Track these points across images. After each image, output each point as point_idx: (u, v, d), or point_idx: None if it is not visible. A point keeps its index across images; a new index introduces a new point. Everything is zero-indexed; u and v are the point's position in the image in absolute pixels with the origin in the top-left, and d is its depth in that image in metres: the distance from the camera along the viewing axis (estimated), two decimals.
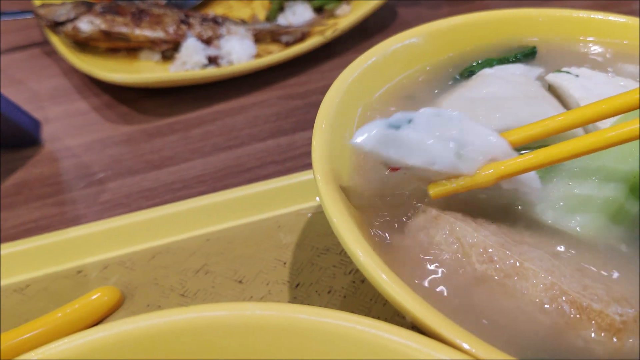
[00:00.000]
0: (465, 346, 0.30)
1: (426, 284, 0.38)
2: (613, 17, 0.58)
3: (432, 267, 0.40)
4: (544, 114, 0.41)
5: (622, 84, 0.50)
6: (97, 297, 0.53)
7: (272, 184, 0.64)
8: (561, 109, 0.49)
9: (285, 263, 0.56)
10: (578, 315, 0.34)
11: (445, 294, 0.37)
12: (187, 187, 0.69)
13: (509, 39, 0.58)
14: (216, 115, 0.80)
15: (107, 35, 0.84)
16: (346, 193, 0.42)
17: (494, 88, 0.50)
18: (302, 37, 0.89)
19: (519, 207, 0.42)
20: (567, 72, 0.52)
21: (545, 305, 0.35)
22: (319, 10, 0.94)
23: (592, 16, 0.59)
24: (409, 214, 0.43)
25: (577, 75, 0.51)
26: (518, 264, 0.38)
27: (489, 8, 0.97)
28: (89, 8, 0.86)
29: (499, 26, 0.58)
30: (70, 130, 0.79)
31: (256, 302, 0.45)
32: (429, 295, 0.36)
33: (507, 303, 0.36)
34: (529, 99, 0.48)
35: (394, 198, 0.44)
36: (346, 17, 0.91)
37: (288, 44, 0.88)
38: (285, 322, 0.31)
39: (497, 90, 0.49)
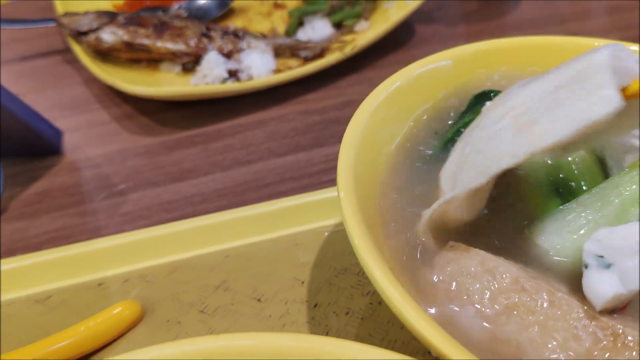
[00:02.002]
0: None
1: (459, 314, 0.38)
2: None
3: (464, 297, 0.40)
4: None
5: None
6: (119, 311, 0.54)
7: (290, 201, 0.65)
8: None
9: (303, 282, 0.57)
10: (613, 341, 0.35)
11: (476, 324, 0.38)
12: (207, 200, 0.70)
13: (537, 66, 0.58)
14: (236, 129, 0.80)
15: (129, 46, 0.85)
16: (372, 218, 0.43)
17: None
18: (321, 52, 0.90)
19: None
20: None
21: (579, 333, 0.36)
22: (338, 26, 0.95)
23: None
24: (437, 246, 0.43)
25: None
26: (550, 294, 0.38)
27: (506, 28, 0.98)
28: (111, 19, 0.87)
29: (525, 54, 0.58)
30: (91, 140, 0.80)
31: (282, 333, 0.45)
32: (458, 325, 0.37)
33: (540, 332, 0.36)
34: None
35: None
36: (365, 33, 0.92)
37: (307, 59, 0.89)
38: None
39: None
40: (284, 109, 0.84)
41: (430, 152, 0.50)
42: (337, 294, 0.55)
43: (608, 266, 0.38)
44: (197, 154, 0.76)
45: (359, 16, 0.95)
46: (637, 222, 0.42)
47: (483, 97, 0.53)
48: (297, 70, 0.84)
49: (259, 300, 0.55)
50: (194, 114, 0.83)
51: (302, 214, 0.64)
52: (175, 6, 0.98)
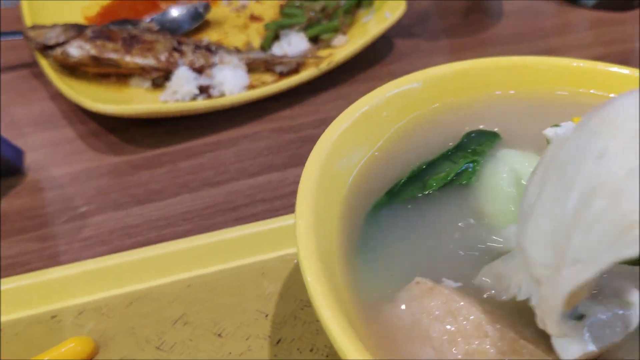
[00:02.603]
0: None
1: (417, 357, 0.36)
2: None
3: (424, 339, 0.37)
4: None
5: None
6: (70, 347, 0.51)
7: (258, 226, 0.62)
8: None
9: (267, 315, 0.54)
10: None
11: None
12: (172, 224, 0.67)
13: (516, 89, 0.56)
14: (206, 148, 0.78)
15: (96, 61, 0.82)
16: (330, 253, 0.41)
17: None
18: (297, 67, 0.87)
19: None
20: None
21: None
22: (314, 40, 0.92)
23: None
24: (402, 282, 0.41)
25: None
26: (513, 342, 0.36)
27: (487, 43, 0.96)
28: (79, 32, 0.84)
29: (502, 74, 0.56)
30: (55, 159, 0.77)
31: None
32: None
33: None
34: None
35: (388, 268, 0.42)
36: (342, 48, 0.90)
37: (282, 75, 0.87)
38: None
39: None
40: (257, 127, 0.81)
41: (393, 183, 0.48)
42: (302, 329, 0.53)
43: (580, 317, 0.35)
44: (164, 174, 0.73)
45: (336, 30, 0.92)
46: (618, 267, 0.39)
47: (475, 138, 0.50)
48: (271, 86, 0.81)
49: (219, 335, 0.53)
50: (163, 131, 0.80)
51: (271, 240, 0.61)
52: (147, 19, 0.95)
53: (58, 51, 0.83)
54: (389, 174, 0.48)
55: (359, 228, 0.44)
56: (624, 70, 0.56)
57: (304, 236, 0.38)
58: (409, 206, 0.46)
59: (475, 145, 0.50)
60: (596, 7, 1.04)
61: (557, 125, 0.51)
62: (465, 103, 0.54)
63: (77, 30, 0.85)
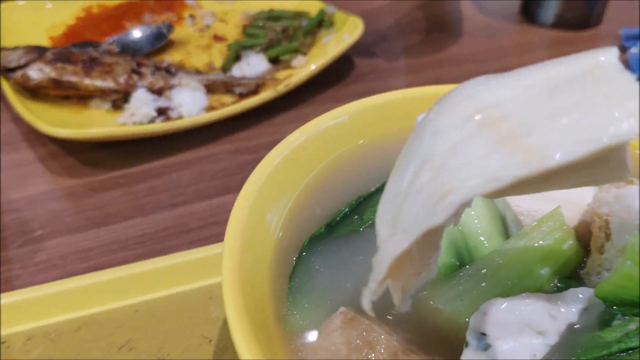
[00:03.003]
0: None
1: None
2: None
3: None
4: None
5: None
6: None
7: (207, 251, 0.63)
8: None
9: (210, 340, 0.55)
10: None
11: None
12: (125, 248, 0.68)
13: None
14: (163, 170, 0.79)
15: (56, 83, 0.84)
16: (259, 284, 0.42)
17: None
18: (256, 88, 0.88)
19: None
20: None
21: None
22: (275, 60, 0.94)
23: None
24: (328, 312, 0.42)
25: None
26: None
27: (444, 63, 0.98)
28: (40, 54, 0.85)
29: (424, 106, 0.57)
30: (13, 182, 0.78)
31: None
32: None
33: None
34: None
35: (315, 299, 0.43)
36: (302, 69, 0.91)
37: (242, 96, 0.88)
38: None
39: None
40: (215, 148, 0.82)
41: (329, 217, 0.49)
42: None
43: (486, 348, 0.37)
44: (120, 197, 0.75)
45: (296, 51, 0.94)
46: (526, 295, 0.41)
47: None
48: (228, 108, 0.83)
49: None
50: (121, 153, 0.81)
51: (219, 265, 0.62)
52: (109, 40, 0.97)
53: (19, 74, 0.84)
54: (323, 208, 0.49)
55: (292, 261, 0.46)
56: None
57: (229, 271, 0.40)
58: (343, 239, 0.48)
59: None
60: (554, 26, 1.07)
61: None
62: (398, 134, 0.55)
63: (38, 53, 0.86)
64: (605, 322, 0.40)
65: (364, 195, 0.51)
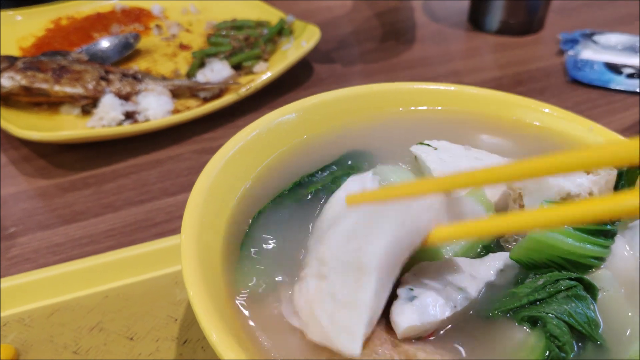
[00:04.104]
0: None
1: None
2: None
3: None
4: None
5: (475, 156, 0.56)
6: None
7: (172, 240, 0.68)
8: None
9: (176, 319, 0.60)
10: None
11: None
12: (95, 242, 0.72)
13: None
14: (131, 169, 0.83)
15: (27, 90, 0.87)
16: (213, 266, 0.47)
17: None
18: (220, 93, 0.94)
19: None
20: (428, 145, 0.58)
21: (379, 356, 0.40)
22: (237, 67, 0.99)
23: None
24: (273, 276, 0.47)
25: (435, 148, 0.57)
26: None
27: (398, 67, 1.05)
28: (11, 63, 0.89)
29: (377, 99, 0.64)
30: None
31: None
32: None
33: None
34: None
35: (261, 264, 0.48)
36: (262, 74, 0.97)
37: (206, 100, 0.93)
38: None
39: None
40: (181, 149, 0.87)
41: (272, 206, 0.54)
42: None
43: (412, 299, 0.42)
44: (89, 196, 0.79)
45: (258, 58, 1.00)
46: (450, 259, 0.47)
47: (352, 157, 0.58)
48: (192, 111, 0.87)
49: (131, 339, 0.58)
50: (90, 155, 0.85)
51: None
52: (78, 50, 1.01)
53: None
54: (273, 191, 0.55)
55: (243, 233, 0.51)
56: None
57: (187, 251, 0.45)
58: (287, 211, 0.53)
59: (353, 163, 0.58)
60: (499, 32, 1.14)
61: (422, 143, 0.59)
62: (340, 128, 0.61)
63: (8, 62, 0.90)
64: (520, 281, 0.46)
65: (306, 174, 0.56)
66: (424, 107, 0.64)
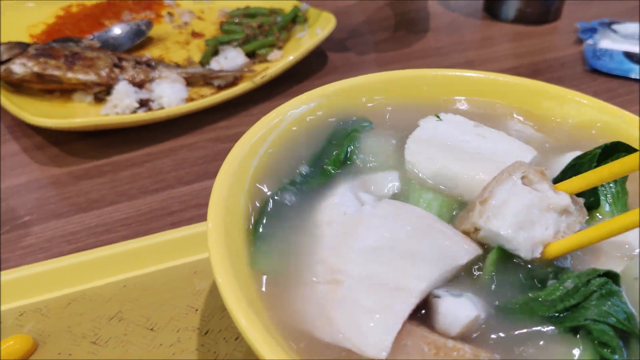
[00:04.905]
0: None
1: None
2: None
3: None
4: None
5: (480, 133, 0.55)
6: (9, 345, 0.54)
7: (191, 229, 0.67)
8: None
9: (197, 310, 0.59)
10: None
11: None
12: (110, 230, 0.71)
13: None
14: (145, 158, 0.82)
15: (40, 77, 0.86)
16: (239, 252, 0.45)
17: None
18: (234, 81, 0.92)
19: None
20: (438, 118, 0.57)
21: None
22: (251, 55, 0.98)
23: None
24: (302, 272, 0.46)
25: (441, 119, 0.56)
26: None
27: (412, 56, 1.03)
28: (23, 50, 0.88)
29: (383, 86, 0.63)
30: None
31: None
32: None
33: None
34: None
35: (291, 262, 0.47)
36: (277, 62, 0.95)
37: (220, 88, 0.92)
38: None
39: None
40: (195, 137, 0.86)
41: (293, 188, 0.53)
42: (229, 321, 0.57)
43: (458, 296, 0.41)
44: (104, 184, 0.78)
45: (272, 45, 0.98)
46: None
47: (350, 124, 0.58)
48: (207, 99, 0.86)
49: (151, 329, 0.57)
50: (105, 143, 0.84)
51: (203, 242, 0.66)
52: (89, 37, 0.99)
53: (2, 68, 0.86)
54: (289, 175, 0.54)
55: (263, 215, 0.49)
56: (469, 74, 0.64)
57: (215, 239, 0.43)
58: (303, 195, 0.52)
59: (351, 129, 0.57)
60: (515, 21, 1.13)
61: (437, 116, 0.58)
62: (350, 108, 0.61)
63: (20, 48, 0.88)
64: (541, 282, 0.44)
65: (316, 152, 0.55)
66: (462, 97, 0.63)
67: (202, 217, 0.72)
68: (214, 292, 0.61)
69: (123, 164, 0.81)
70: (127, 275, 0.63)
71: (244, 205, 0.49)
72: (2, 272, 0.63)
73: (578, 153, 0.52)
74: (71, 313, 0.59)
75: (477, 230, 0.45)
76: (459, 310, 0.40)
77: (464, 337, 0.40)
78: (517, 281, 0.44)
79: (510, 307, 0.43)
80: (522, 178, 0.47)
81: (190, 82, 0.91)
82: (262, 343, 0.37)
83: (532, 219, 0.45)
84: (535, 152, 0.54)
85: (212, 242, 0.43)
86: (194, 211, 0.73)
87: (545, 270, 0.44)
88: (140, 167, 0.80)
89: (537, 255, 0.44)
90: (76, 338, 0.57)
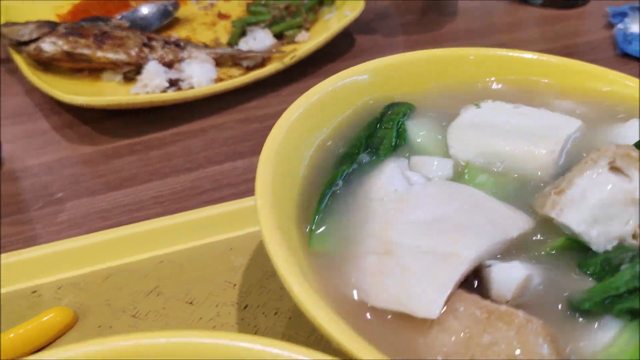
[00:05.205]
0: None
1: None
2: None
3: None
4: None
5: (522, 112, 0.55)
6: (50, 317, 0.54)
7: (226, 207, 0.67)
8: None
9: (235, 285, 0.59)
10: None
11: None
12: (144, 208, 0.71)
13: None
14: (175, 137, 0.82)
15: (69, 56, 0.86)
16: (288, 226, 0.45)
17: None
18: (263, 62, 0.92)
19: None
20: (478, 106, 0.56)
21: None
22: (279, 36, 0.97)
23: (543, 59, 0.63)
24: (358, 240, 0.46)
25: (479, 107, 0.56)
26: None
27: (441, 39, 1.02)
28: (52, 28, 0.88)
29: (433, 65, 0.62)
30: (30, 150, 0.80)
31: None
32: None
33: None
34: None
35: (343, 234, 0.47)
36: (305, 44, 0.95)
37: (248, 69, 0.91)
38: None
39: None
40: (224, 118, 0.86)
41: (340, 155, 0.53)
42: (267, 296, 0.57)
43: (510, 261, 0.41)
44: (136, 162, 0.78)
45: (299, 27, 0.98)
46: None
47: (392, 107, 0.56)
48: (237, 79, 0.86)
49: (190, 303, 0.57)
50: (135, 122, 0.84)
51: (238, 219, 0.65)
52: (117, 17, 0.99)
53: (31, 47, 0.86)
54: (339, 151, 0.53)
55: (315, 201, 0.49)
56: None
57: (264, 210, 0.43)
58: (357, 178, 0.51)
59: (392, 113, 0.57)
60: (544, 5, 1.11)
61: (476, 104, 0.57)
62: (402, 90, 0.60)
63: (50, 27, 0.88)
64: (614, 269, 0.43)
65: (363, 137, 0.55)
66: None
67: (235, 196, 0.71)
68: (250, 268, 0.61)
69: (153, 143, 0.81)
70: (163, 252, 0.63)
71: (291, 180, 0.49)
72: (39, 247, 0.63)
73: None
74: (109, 287, 0.59)
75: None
76: (511, 272, 0.40)
77: (517, 303, 0.40)
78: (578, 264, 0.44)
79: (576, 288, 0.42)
80: (610, 165, 0.45)
81: (218, 62, 0.91)
82: (315, 307, 0.36)
83: (611, 212, 0.44)
84: (580, 121, 0.54)
85: (263, 217, 0.43)
86: (226, 190, 0.73)
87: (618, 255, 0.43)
88: (171, 146, 0.80)
89: (610, 248, 0.43)
90: (115, 311, 0.57)
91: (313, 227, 0.47)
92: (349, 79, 0.58)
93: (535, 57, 0.62)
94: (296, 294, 0.38)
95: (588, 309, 0.40)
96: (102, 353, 0.32)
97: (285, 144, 0.50)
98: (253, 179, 0.74)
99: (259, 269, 0.60)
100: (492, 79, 0.62)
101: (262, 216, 0.43)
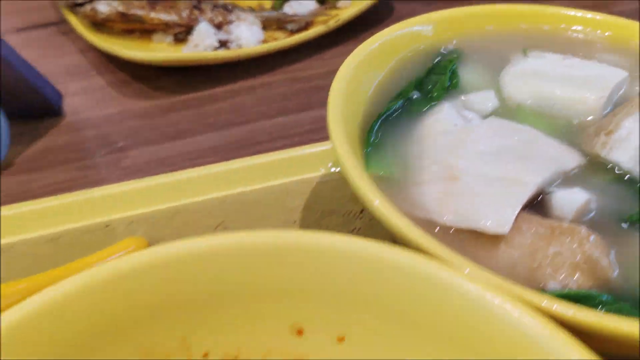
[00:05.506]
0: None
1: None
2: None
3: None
4: None
5: (569, 63, 0.58)
6: (127, 245, 0.59)
7: (282, 154, 0.70)
8: None
9: (295, 221, 0.63)
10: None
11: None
12: (202, 156, 0.75)
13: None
14: (226, 95, 0.86)
15: (123, 16, 0.90)
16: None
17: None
18: (306, 25, 0.95)
19: None
20: (526, 54, 0.60)
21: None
22: (322, 1, 1.01)
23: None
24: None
25: (528, 57, 0.60)
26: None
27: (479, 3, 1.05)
28: None
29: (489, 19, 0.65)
30: (89, 103, 0.85)
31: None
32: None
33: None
34: None
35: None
36: (347, 9, 0.98)
37: (293, 32, 0.95)
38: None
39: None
40: (272, 77, 0.89)
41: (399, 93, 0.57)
42: (328, 231, 0.61)
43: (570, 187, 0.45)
44: (191, 116, 0.82)
45: None
46: None
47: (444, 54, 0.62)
48: (283, 41, 0.89)
49: None
50: (187, 80, 0.88)
51: (293, 166, 0.69)
52: None
53: (87, 8, 0.90)
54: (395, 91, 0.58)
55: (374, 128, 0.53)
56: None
57: (335, 125, 0.47)
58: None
59: (445, 60, 0.60)
60: None
61: (524, 52, 0.61)
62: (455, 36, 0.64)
63: None
64: None
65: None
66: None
67: (289, 147, 0.75)
68: (308, 208, 0.65)
69: (207, 99, 0.85)
70: (224, 194, 0.66)
71: (355, 109, 0.53)
72: (110, 186, 0.67)
73: None
74: (178, 223, 0.64)
75: None
76: (572, 195, 0.44)
77: (578, 222, 0.44)
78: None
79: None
80: None
81: (264, 25, 0.95)
82: (395, 218, 0.40)
83: None
84: (627, 72, 0.57)
85: (336, 140, 0.47)
86: (279, 142, 0.77)
87: None
88: (223, 102, 0.84)
89: None
90: None
91: (369, 150, 0.51)
92: (408, 29, 0.61)
93: (588, 15, 0.65)
94: (377, 207, 0.41)
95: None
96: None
97: (351, 80, 0.54)
98: (304, 133, 0.79)
99: (316, 210, 0.64)
100: (547, 27, 0.65)
101: (336, 139, 0.47)
